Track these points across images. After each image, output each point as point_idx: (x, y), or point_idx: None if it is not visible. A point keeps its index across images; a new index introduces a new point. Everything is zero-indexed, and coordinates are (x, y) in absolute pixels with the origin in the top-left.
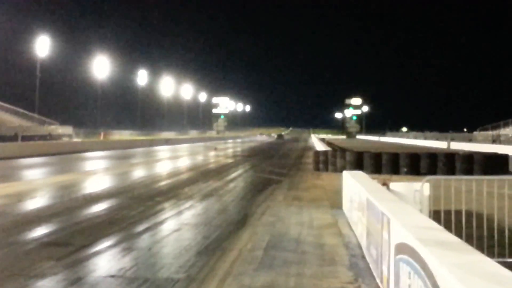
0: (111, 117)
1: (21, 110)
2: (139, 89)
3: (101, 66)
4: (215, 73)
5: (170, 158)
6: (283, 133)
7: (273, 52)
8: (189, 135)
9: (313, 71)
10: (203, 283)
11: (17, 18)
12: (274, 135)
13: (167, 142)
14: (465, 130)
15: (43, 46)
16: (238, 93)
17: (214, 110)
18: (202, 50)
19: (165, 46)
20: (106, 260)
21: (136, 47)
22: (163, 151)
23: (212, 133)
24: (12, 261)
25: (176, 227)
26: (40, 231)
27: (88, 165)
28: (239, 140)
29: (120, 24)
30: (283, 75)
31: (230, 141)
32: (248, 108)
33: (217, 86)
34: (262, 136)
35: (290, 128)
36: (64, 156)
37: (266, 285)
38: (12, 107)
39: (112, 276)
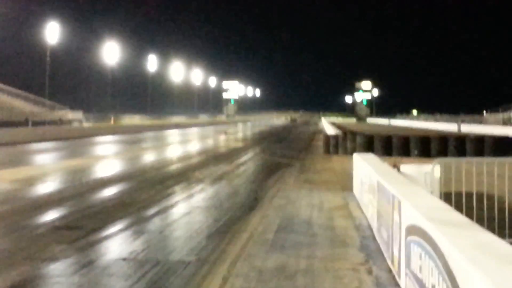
0: (121, 102)
1: (31, 96)
2: (149, 74)
3: (111, 52)
4: (225, 57)
5: (180, 142)
6: (293, 117)
7: (283, 36)
8: (199, 120)
9: (323, 55)
10: (215, 265)
11: (27, 4)
12: (287, 118)
13: (177, 126)
14: (484, 112)
15: (53, 32)
16: (248, 77)
17: (224, 95)
18: (212, 35)
19: (175, 31)
20: (117, 243)
21: (146, 32)
22: (173, 135)
23: (222, 118)
24: (24, 244)
25: (187, 210)
26: (51, 215)
27: (99, 150)
28: (249, 124)
29: (129, 9)
30: (292, 59)
31: (240, 125)
32: (258, 92)
33: (227, 71)
34: (280, 120)
35: (300, 112)
36: (75, 141)
37: (278, 267)
38: (22, 92)
39: (124, 259)
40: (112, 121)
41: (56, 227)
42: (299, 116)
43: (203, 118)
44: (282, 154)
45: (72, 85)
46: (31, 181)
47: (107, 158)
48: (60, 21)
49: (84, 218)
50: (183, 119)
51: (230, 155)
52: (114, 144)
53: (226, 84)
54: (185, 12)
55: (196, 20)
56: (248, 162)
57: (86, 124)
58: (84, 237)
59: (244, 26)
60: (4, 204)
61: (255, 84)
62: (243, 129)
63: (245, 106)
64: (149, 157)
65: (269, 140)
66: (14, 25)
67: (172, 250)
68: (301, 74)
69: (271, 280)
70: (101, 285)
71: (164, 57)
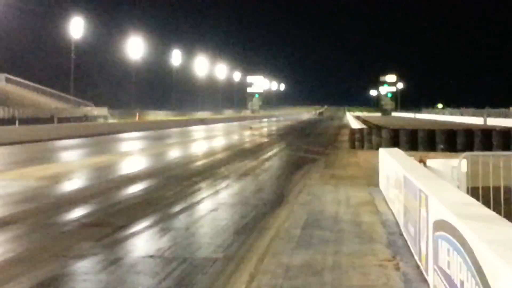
0: (145, 97)
1: (56, 92)
2: (173, 69)
3: (135, 47)
4: (250, 52)
5: (206, 138)
6: (320, 111)
7: (307, 31)
8: (224, 115)
9: (347, 49)
10: (242, 262)
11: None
12: (311, 112)
13: (202, 122)
14: None
15: (77, 27)
16: (273, 72)
17: (249, 89)
18: (236, 30)
19: (199, 26)
20: (144, 240)
21: (170, 27)
22: (198, 131)
23: (247, 112)
24: (52, 242)
25: (213, 207)
26: (78, 212)
27: (124, 146)
28: (274, 119)
29: (153, 4)
30: (317, 53)
31: (265, 120)
32: (282, 86)
33: (251, 65)
34: (305, 114)
35: (325, 106)
36: (100, 137)
37: (305, 264)
38: (47, 89)
39: (151, 256)
40: (137, 117)
41: (83, 225)
42: (323, 110)
43: (227, 113)
44: (307, 149)
45: (96, 81)
46: (57, 179)
47: (132, 154)
48: (84, 16)
49: (111, 215)
50: (208, 114)
51: (255, 150)
52: (140, 140)
53: (250, 78)
54: (209, 7)
55: (220, 15)
56: (273, 157)
57: (111, 120)
58: (111, 234)
59: (268, 21)
60: (31, 202)
61: (280, 78)
62: (268, 124)
63: (270, 100)
64: (174, 153)
65: (294, 135)
66: (38, 21)
67: (199, 247)
68: (325, 69)
69: (298, 276)
70: (129, 282)
71: (188, 52)
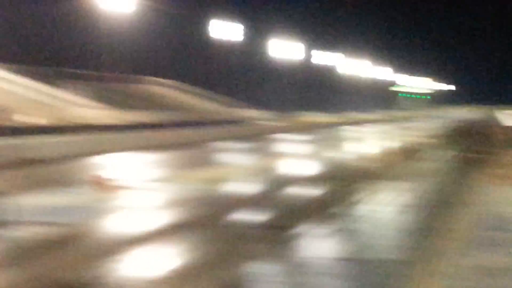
0: (299, 99)
1: (208, 94)
2: (332, 71)
3: (292, 49)
4: (415, 54)
5: (367, 139)
6: (483, 110)
7: (460, 31)
8: (383, 116)
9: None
10: (424, 263)
11: (202, 2)
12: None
13: (364, 122)
14: None
15: (234, 31)
16: (440, 73)
17: (414, 90)
18: (397, 33)
19: (357, 26)
20: (325, 242)
21: (327, 29)
22: (356, 132)
23: (412, 113)
24: (233, 244)
25: (389, 209)
26: (251, 215)
27: (286, 148)
28: (436, 119)
29: (310, 5)
30: (481, 56)
31: (426, 120)
32: (450, 87)
33: (418, 66)
34: (471, 113)
35: (476, 105)
36: (258, 139)
37: (490, 266)
38: (203, 92)
39: (335, 259)
40: (294, 119)
41: (259, 226)
42: (486, 109)
43: (388, 115)
44: (470, 149)
45: (251, 83)
46: (224, 181)
47: (296, 156)
48: (240, 20)
49: (285, 218)
50: (366, 115)
51: (420, 152)
52: (300, 142)
53: (412, 79)
54: (368, 8)
55: (381, 16)
56: (438, 158)
57: (268, 122)
58: (290, 236)
59: (434, 25)
60: (204, 205)
61: (447, 79)
62: (428, 125)
63: (437, 100)
64: (340, 155)
65: (455, 135)
66: (193, 25)
67: (379, 249)
68: (490, 69)
69: (484, 279)
70: (322, 285)
71: (347, 53)
